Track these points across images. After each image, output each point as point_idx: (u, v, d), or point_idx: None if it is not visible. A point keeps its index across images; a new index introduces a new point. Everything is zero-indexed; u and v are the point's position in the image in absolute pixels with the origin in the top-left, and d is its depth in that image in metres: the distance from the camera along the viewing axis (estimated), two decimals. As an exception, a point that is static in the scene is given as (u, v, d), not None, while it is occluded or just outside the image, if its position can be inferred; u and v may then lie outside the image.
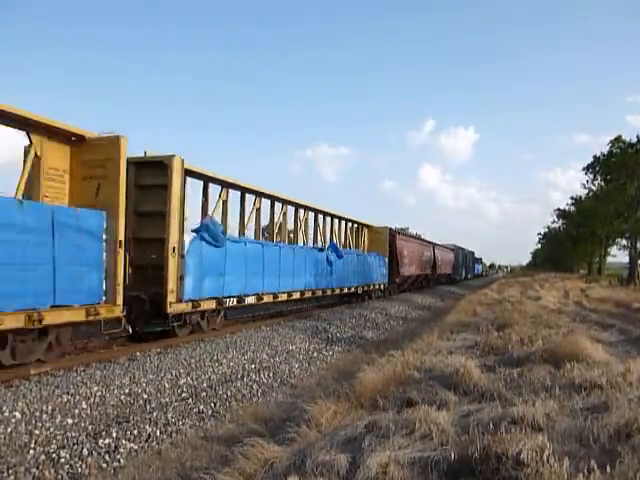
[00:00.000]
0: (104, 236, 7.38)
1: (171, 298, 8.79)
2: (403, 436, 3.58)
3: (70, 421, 5.13)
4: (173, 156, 9.00)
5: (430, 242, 33.79)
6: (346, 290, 18.30)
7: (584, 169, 39.17)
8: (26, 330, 6.45)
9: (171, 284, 8.81)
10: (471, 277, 56.44)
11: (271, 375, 7.72)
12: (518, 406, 3.88)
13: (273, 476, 3.24)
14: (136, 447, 4.81)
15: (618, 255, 47.17)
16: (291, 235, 15.60)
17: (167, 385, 6.59)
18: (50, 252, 6.56)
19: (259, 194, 12.74)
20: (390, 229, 23.79)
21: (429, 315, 17.77)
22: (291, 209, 14.93)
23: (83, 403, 5.58)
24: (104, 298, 7.43)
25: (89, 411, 5.45)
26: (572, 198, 52.73)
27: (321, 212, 17.29)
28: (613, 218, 35.55)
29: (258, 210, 12.80)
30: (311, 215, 16.59)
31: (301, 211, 15.52)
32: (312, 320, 13.50)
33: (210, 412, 5.94)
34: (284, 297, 13.27)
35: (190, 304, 9.32)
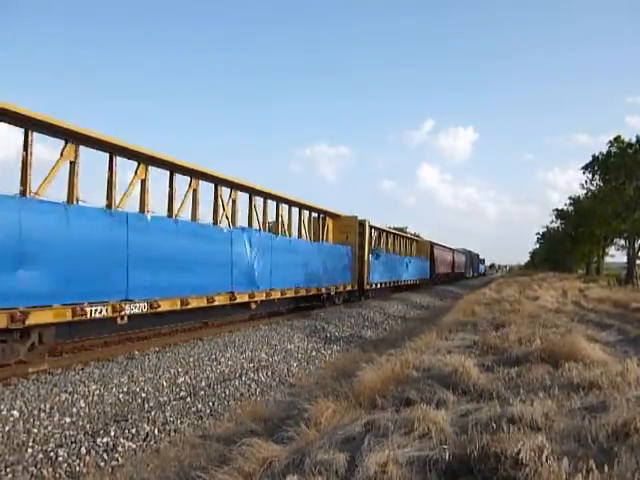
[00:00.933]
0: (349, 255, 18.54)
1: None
2: (402, 435, 3.58)
3: (68, 420, 5.12)
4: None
5: (450, 248, 43.61)
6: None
7: (582, 168, 39.14)
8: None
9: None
10: (476, 275, 64.94)
11: (270, 374, 7.72)
12: (516, 406, 3.88)
13: (272, 475, 3.24)
14: (134, 446, 4.81)
15: (616, 255, 47.27)
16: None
17: (165, 384, 6.59)
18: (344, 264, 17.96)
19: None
20: (430, 242, 35.42)
21: (428, 314, 17.79)
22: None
23: (81, 402, 5.58)
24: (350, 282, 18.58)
25: (87, 410, 5.45)
26: (570, 198, 52.81)
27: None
28: (611, 218, 35.56)
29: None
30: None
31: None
32: (311, 319, 13.50)
33: (208, 411, 5.94)
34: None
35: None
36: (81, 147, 7.81)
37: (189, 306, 9.39)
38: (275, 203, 14.06)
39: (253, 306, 12.07)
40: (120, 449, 4.69)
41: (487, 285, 34.69)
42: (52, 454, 4.41)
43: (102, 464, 4.41)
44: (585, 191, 41.67)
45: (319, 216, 17.47)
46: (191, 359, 7.81)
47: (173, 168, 9.94)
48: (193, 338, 9.62)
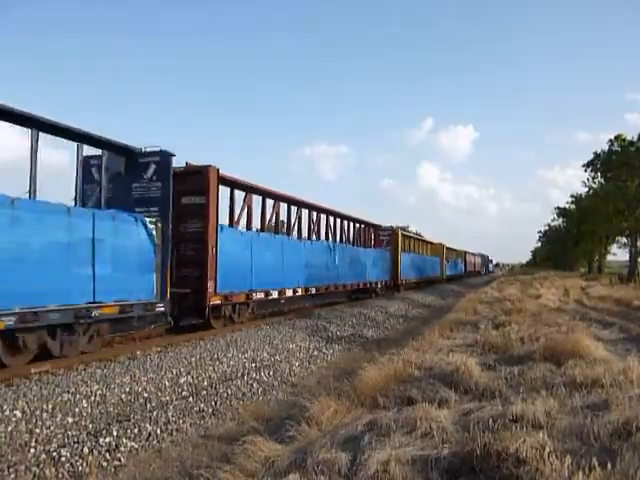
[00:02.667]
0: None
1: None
2: (404, 434, 3.58)
3: (70, 420, 5.13)
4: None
5: (473, 253, 64.76)
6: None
7: (584, 166, 39.09)
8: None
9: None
10: (487, 272, 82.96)
11: (271, 374, 7.72)
12: (518, 404, 3.88)
13: (274, 474, 3.24)
14: (137, 446, 4.81)
15: (618, 253, 47.17)
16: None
17: (167, 384, 6.60)
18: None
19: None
20: (465, 251, 54.73)
21: (429, 313, 17.79)
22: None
23: (84, 402, 5.59)
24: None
25: (90, 410, 5.45)
26: (572, 196, 52.74)
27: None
28: (613, 216, 35.51)
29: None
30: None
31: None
32: (312, 319, 13.51)
33: (211, 410, 5.94)
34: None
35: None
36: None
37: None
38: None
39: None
40: (122, 449, 4.69)
41: (489, 284, 34.67)
42: (55, 454, 4.41)
43: (104, 464, 4.42)
44: (587, 189, 41.60)
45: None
46: (193, 359, 7.81)
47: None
48: (195, 338, 9.63)
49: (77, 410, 5.37)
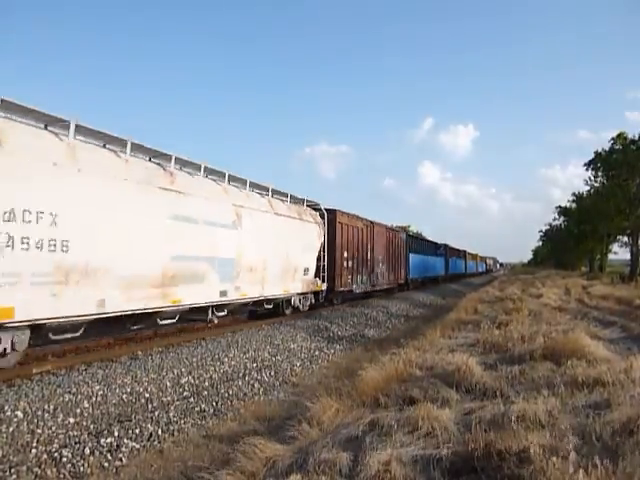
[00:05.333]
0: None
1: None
2: (405, 434, 3.58)
3: (72, 420, 5.13)
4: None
5: (488, 257, 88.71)
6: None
7: (585, 165, 39.02)
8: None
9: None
10: (495, 271, 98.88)
11: (273, 374, 7.72)
12: (520, 403, 3.88)
13: (275, 474, 3.24)
14: (138, 446, 4.82)
15: (620, 252, 47.08)
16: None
17: (169, 384, 6.60)
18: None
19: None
20: (486, 257, 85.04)
21: (430, 313, 17.76)
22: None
23: (85, 402, 5.59)
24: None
25: (91, 410, 5.45)
26: (574, 194, 52.56)
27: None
28: (614, 215, 35.43)
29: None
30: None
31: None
32: (313, 319, 13.50)
33: (212, 411, 5.94)
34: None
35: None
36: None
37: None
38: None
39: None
40: (124, 449, 4.70)
41: (490, 283, 34.64)
42: (56, 454, 4.41)
43: (106, 464, 4.42)
44: (589, 188, 41.52)
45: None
46: (194, 359, 7.81)
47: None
48: (196, 338, 9.63)
49: (78, 410, 5.37)
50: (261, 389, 6.93)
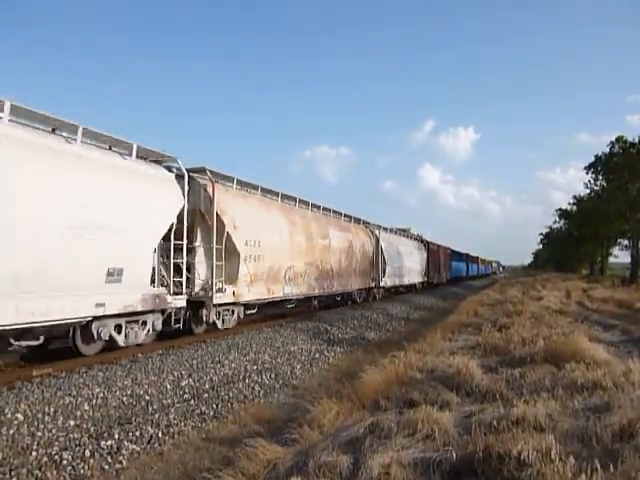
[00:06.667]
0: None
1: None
2: (405, 437, 3.58)
3: (72, 423, 5.13)
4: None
5: (490, 260, 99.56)
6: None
7: (585, 168, 39.01)
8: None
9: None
10: (498, 274, 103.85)
11: (273, 376, 7.72)
12: (520, 406, 3.88)
13: (276, 477, 3.24)
14: (138, 448, 4.82)
15: (620, 255, 47.04)
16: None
17: (169, 386, 6.59)
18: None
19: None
20: (491, 260, 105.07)
21: (431, 316, 17.75)
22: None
23: (85, 405, 5.59)
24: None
25: (91, 413, 5.45)
26: (575, 197, 52.49)
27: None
28: (615, 218, 35.39)
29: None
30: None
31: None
32: (314, 321, 13.49)
33: (212, 413, 5.94)
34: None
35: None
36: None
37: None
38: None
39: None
40: (124, 452, 4.69)
41: (491, 286, 34.62)
42: (56, 457, 4.42)
43: (106, 467, 4.42)
44: (589, 191, 41.50)
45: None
46: (194, 362, 7.81)
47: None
48: (197, 341, 9.62)
49: (79, 413, 5.37)
50: (261, 392, 6.92)
